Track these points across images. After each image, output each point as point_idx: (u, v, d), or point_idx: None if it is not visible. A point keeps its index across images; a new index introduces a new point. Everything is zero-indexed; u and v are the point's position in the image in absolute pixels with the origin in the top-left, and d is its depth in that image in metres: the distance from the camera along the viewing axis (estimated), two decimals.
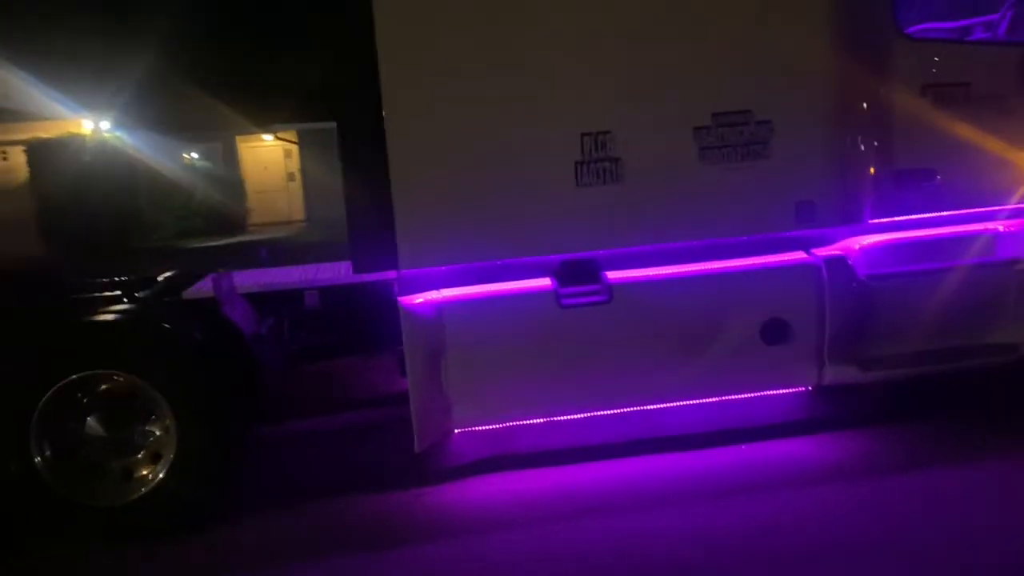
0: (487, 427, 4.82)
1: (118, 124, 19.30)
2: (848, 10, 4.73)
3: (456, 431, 4.74)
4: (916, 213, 5.04)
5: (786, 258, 4.79)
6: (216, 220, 19.92)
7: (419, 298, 4.54)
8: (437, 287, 4.63)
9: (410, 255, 4.47)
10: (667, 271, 4.73)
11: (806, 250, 4.88)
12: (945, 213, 5.06)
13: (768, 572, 3.78)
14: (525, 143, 4.49)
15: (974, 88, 4.98)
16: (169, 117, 18.63)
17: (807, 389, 5.01)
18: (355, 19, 4.35)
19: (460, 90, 4.43)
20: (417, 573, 3.93)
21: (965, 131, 4.96)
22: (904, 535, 3.96)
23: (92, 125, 19.35)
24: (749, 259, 4.77)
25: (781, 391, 4.97)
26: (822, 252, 4.86)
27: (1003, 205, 5.10)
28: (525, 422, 4.85)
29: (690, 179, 4.61)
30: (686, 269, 4.74)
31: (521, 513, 4.40)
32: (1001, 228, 5.12)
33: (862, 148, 4.86)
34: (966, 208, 5.08)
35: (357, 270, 4.49)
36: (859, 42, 4.79)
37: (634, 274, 4.71)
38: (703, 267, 4.75)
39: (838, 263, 4.83)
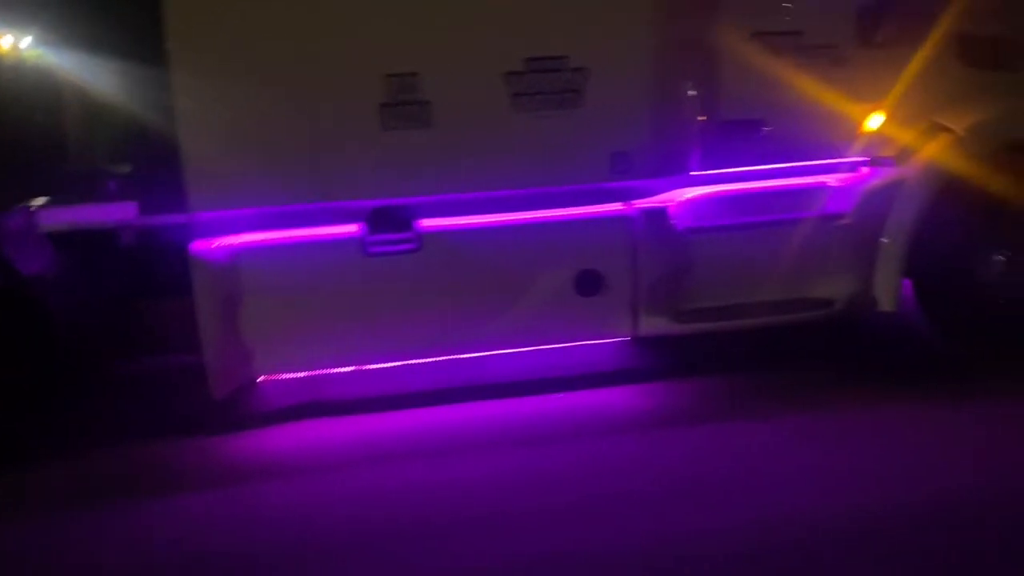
0: (295, 375, 4.75)
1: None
2: None
3: (260, 378, 4.67)
4: (745, 165, 4.97)
5: (600, 209, 4.70)
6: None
7: (214, 243, 4.39)
8: (240, 232, 4.47)
9: (201, 197, 4.28)
10: (480, 220, 4.61)
11: (626, 201, 4.80)
12: (774, 166, 5.01)
13: (529, 523, 3.77)
14: (324, 81, 4.29)
15: (806, 37, 4.87)
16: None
17: (625, 339, 5.01)
18: None
19: (251, 18, 4.18)
20: (181, 520, 3.90)
21: (796, 81, 4.86)
22: (665, 485, 4.01)
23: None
24: (563, 210, 4.67)
25: (600, 341, 4.96)
26: (640, 204, 4.78)
27: (834, 158, 5.05)
28: (335, 370, 4.79)
29: (502, 126, 4.47)
30: (500, 218, 4.63)
31: (316, 461, 4.39)
32: (830, 182, 5.06)
33: (684, 98, 4.74)
34: (796, 161, 5.01)
35: (144, 211, 4.31)
36: None
37: (447, 223, 4.59)
38: (517, 217, 4.64)
39: (654, 215, 4.77)
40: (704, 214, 4.95)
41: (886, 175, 5.05)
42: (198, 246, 4.34)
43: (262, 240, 4.44)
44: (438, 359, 4.81)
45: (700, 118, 4.75)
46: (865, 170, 5.08)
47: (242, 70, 4.22)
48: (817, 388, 4.98)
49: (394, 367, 4.84)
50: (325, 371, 4.77)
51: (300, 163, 4.34)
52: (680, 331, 4.89)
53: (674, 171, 4.79)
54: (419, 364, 4.89)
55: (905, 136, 5.05)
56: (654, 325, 4.83)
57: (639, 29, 4.50)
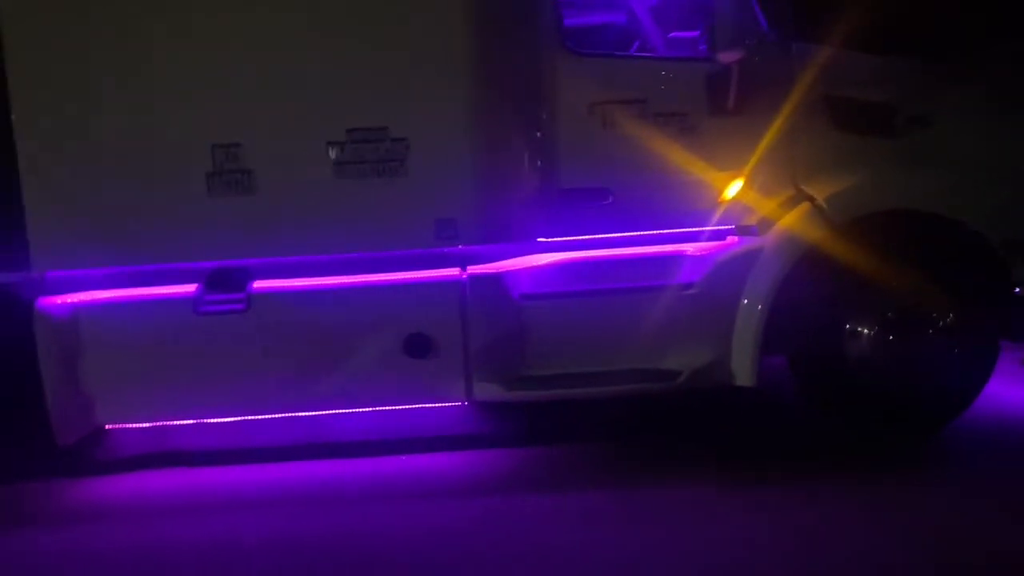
0: (141, 425, 4.99)
1: None
2: (497, 27, 4.62)
3: (107, 427, 4.94)
4: (593, 233, 4.92)
5: (429, 274, 4.74)
6: None
7: (58, 300, 4.72)
8: (88, 289, 4.78)
9: (44, 257, 4.63)
10: (308, 282, 4.76)
11: (463, 267, 4.84)
12: (627, 234, 4.93)
13: None
14: (155, 150, 4.56)
15: (650, 105, 4.82)
16: None
17: (464, 404, 4.99)
18: None
19: (88, 92, 4.51)
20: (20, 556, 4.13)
21: (642, 149, 4.81)
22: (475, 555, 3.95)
23: None
24: (393, 274, 4.75)
25: (434, 404, 4.96)
26: (475, 270, 4.81)
27: (684, 227, 4.93)
28: (176, 423, 5.00)
29: (326, 193, 4.61)
30: (328, 281, 4.76)
31: (149, 508, 4.62)
32: (687, 251, 4.93)
33: (516, 166, 4.77)
34: (645, 229, 4.93)
35: None
36: (513, 59, 4.69)
37: (278, 284, 4.76)
38: (345, 280, 4.76)
39: (485, 280, 4.77)
40: (545, 281, 4.92)
41: (742, 244, 4.89)
42: (43, 302, 4.69)
43: (102, 297, 4.74)
44: (273, 416, 4.94)
45: (536, 187, 4.79)
46: (731, 239, 4.96)
47: (80, 138, 4.55)
48: (677, 462, 4.84)
49: (254, 421, 5.01)
50: (167, 423, 4.98)
51: (135, 226, 4.61)
52: (514, 398, 4.85)
53: (512, 238, 4.81)
54: (278, 419, 5.05)
55: (768, 204, 4.90)
56: (487, 391, 4.80)
57: (458, 101, 4.57)
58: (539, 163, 4.79)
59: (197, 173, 4.57)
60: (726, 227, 4.91)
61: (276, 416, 4.92)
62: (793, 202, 4.86)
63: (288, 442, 5.23)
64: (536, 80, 4.74)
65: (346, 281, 4.75)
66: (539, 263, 4.90)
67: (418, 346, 4.73)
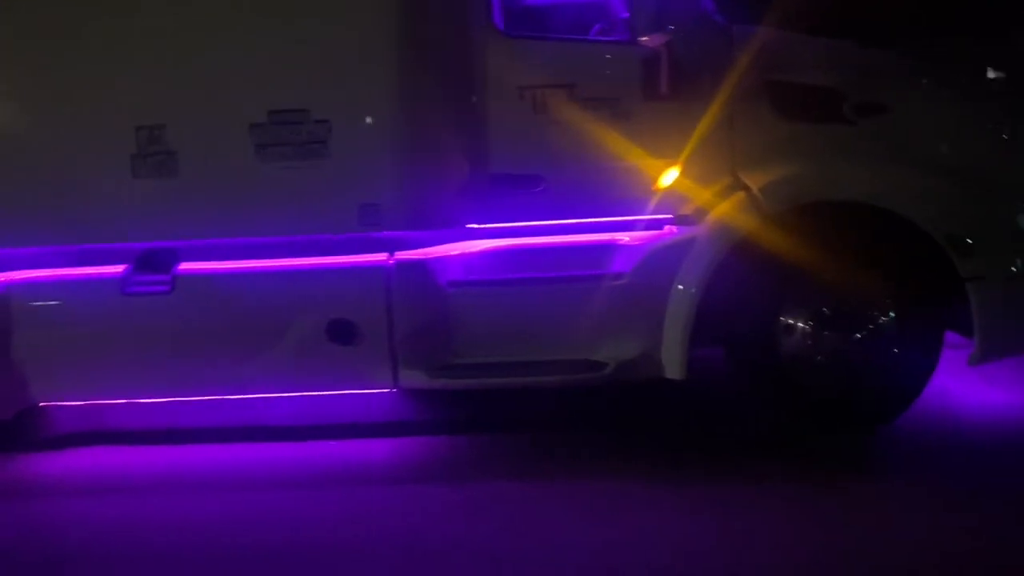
0: (73, 403, 5.05)
1: None
2: (424, 6, 4.53)
3: (42, 404, 5.00)
4: (528, 220, 4.82)
5: (354, 259, 4.69)
6: None
7: None
8: (21, 268, 4.83)
9: None
10: (236, 265, 4.74)
11: (392, 252, 4.78)
12: (560, 222, 4.82)
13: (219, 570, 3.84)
14: (81, 132, 4.58)
15: (580, 90, 4.69)
16: None
17: (391, 390, 4.95)
18: None
19: (14, 74, 4.54)
20: None
21: (573, 136, 4.69)
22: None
23: None
24: (318, 258, 4.71)
25: (362, 390, 4.94)
26: (402, 256, 4.75)
27: (620, 215, 4.81)
28: (115, 400, 5.04)
29: (248, 176, 4.58)
30: (253, 264, 4.73)
31: (83, 485, 4.69)
32: (616, 239, 4.80)
33: (444, 151, 4.69)
34: (579, 217, 4.82)
35: None
36: (441, 39, 4.60)
37: (203, 266, 4.75)
38: (271, 263, 4.72)
39: (410, 267, 4.70)
40: (474, 268, 4.85)
41: (675, 234, 4.76)
42: None
43: (30, 276, 4.77)
44: (201, 399, 4.96)
45: (464, 173, 4.71)
46: (669, 229, 4.83)
47: (7, 120, 4.60)
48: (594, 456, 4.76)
49: (199, 402, 5.03)
50: (99, 402, 5.03)
51: (63, 206, 4.64)
52: (440, 386, 4.81)
53: (439, 224, 4.74)
54: (212, 401, 5.08)
55: (705, 193, 4.76)
56: (412, 378, 4.75)
57: (382, 83, 4.50)
58: (468, 148, 4.70)
59: (122, 155, 4.58)
60: (664, 216, 4.79)
61: (206, 398, 4.95)
62: (730, 191, 4.72)
63: (227, 423, 5.25)
64: (465, 62, 4.64)
65: (271, 265, 4.72)
66: (468, 250, 4.83)
67: (342, 332, 4.68)
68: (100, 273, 4.76)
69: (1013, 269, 4.64)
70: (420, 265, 4.73)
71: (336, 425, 5.17)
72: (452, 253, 4.80)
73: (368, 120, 4.53)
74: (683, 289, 4.64)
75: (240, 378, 4.80)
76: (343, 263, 4.70)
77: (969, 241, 4.54)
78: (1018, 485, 4.14)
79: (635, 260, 4.74)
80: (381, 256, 4.72)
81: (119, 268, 4.77)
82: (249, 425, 5.21)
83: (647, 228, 4.80)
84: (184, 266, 4.75)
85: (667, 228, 4.80)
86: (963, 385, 5.28)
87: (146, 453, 5.05)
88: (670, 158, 4.72)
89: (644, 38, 4.36)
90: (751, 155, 4.72)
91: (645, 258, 4.73)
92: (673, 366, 4.67)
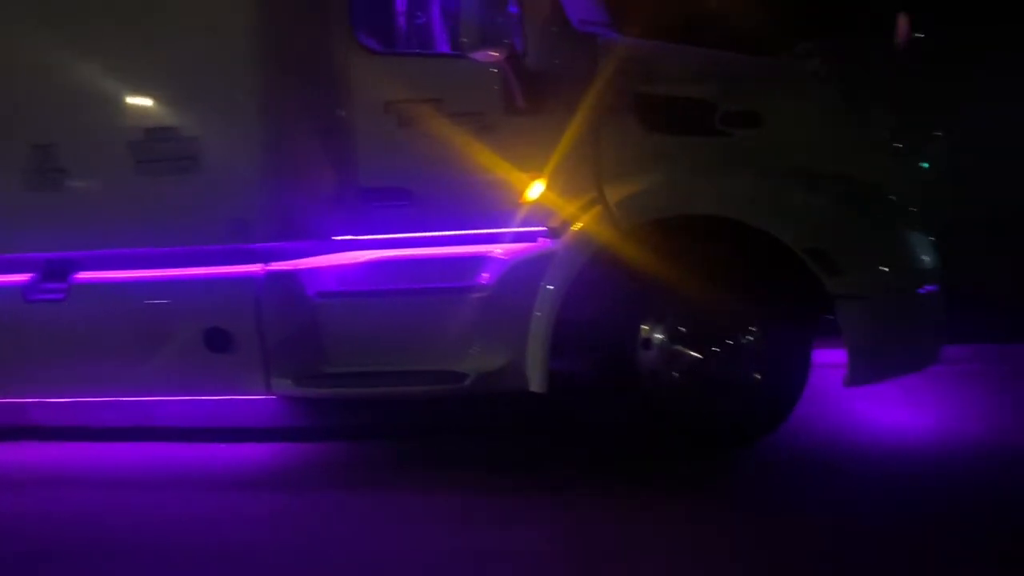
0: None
1: None
2: (288, 24, 4.70)
3: None
4: (397, 232, 4.92)
5: (226, 270, 4.89)
6: None
7: None
8: None
9: None
10: (122, 275, 5.02)
11: (266, 263, 4.95)
12: (427, 234, 4.89)
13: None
14: None
15: (446, 105, 4.75)
16: None
17: (270, 397, 5.11)
18: None
19: None
20: None
21: (440, 149, 4.75)
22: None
23: None
24: (194, 268, 4.93)
25: (238, 396, 5.12)
26: (274, 266, 4.91)
27: (487, 228, 4.84)
28: (23, 399, 5.40)
29: (130, 190, 4.85)
30: (139, 274, 5.00)
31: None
32: (480, 252, 4.83)
33: (312, 165, 4.83)
34: (447, 230, 4.88)
35: None
36: (306, 56, 4.75)
37: (95, 276, 5.06)
38: (154, 273, 4.98)
39: (280, 277, 4.87)
40: (341, 279, 4.97)
41: (538, 247, 4.75)
42: None
43: None
44: (98, 399, 5.25)
45: (331, 186, 4.84)
46: (541, 242, 4.82)
47: None
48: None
49: (75, 402, 5.35)
50: (10, 400, 5.39)
51: None
52: (309, 394, 4.94)
53: (308, 236, 4.89)
54: (118, 401, 5.36)
55: (570, 206, 4.73)
56: (283, 386, 4.89)
57: (246, 99, 4.69)
58: (337, 162, 4.84)
59: (16, 171, 4.92)
60: (533, 229, 4.79)
61: (100, 399, 5.25)
62: (592, 204, 4.68)
63: (132, 423, 5.53)
64: (331, 78, 4.78)
65: (153, 275, 4.98)
66: (339, 262, 4.96)
67: (217, 340, 4.88)
68: (6, 281, 5.14)
69: (886, 287, 4.42)
70: (289, 276, 4.89)
71: (221, 428, 5.37)
72: (323, 264, 4.95)
73: (235, 136, 4.72)
74: (541, 302, 4.63)
75: (128, 382, 5.07)
76: (218, 273, 4.91)
77: (834, 257, 4.35)
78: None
79: (497, 273, 4.76)
80: (255, 267, 4.92)
81: (25, 277, 5.15)
82: (148, 425, 5.48)
83: (516, 241, 4.82)
84: (79, 276, 5.07)
85: (540, 240, 4.81)
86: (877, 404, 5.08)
87: (54, 449, 5.39)
88: (536, 171, 4.73)
89: (479, 52, 4.34)
90: (618, 168, 4.67)
91: (507, 271, 4.74)
92: (536, 379, 4.65)
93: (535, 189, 4.76)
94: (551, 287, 4.61)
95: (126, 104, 4.80)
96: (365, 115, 4.79)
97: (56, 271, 5.12)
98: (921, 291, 4.57)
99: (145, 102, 4.79)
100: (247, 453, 5.19)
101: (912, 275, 4.53)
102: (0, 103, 4.91)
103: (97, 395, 5.23)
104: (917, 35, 4.49)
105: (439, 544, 3.83)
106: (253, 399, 5.20)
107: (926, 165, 4.90)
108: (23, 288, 5.09)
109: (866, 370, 4.41)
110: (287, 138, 4.78)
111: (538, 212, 4.76)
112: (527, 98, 4.62)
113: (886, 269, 4.42)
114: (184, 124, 4.73)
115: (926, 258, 4.63)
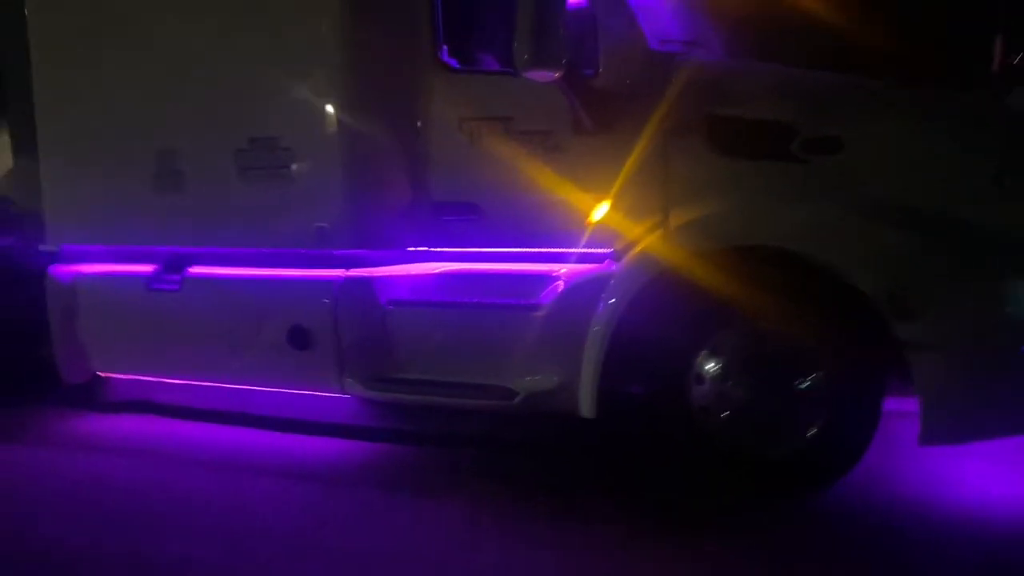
0: (123, 375, 6.07)
1: None
2: (373, 40, 4.90)
3: (100, 374, 6.09)
4: (466, 246, 4.99)
5: (311, 273, 5.17)
6: None
7: (63, 269, 5.94)
8: (87, 262, 5.94)
9: (53, 234, 5.87)
10: (224, 271, 5.45)
11: (347, 268, 5.18)
12: (498, 250, 4.93)
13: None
14: (118, 155, 5.54)
15: (516, 123, 4.77)
16: None
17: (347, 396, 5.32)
18: None
19: (73, 102, 5.65)
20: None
21: (508, 167, 4.79)
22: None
23: None
24: (286, 269, 5.25)
25: (317, 392, 5.38)
26: (351, 272, 5.13)
27: (553, 247, 4.80)
28: (148, 378, 5.99)
29: (234, 193, 5.25)
30: (239, 272, 5.40)
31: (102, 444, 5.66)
32: (543, 270, 4.82)
33: (390, 178, 5.00)
34: (514, 246, 4.89)
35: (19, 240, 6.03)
36: (387, 74, 4.93)
37: (204, 271, 5.52)
38: (250, 271, 5.36)
39: (355, 283, 5.08)
40: (411, 289, 5.12)
41: (599, 268, 4.65)
42: (55, 269, 5.95)
43: (90, 270, 5.87)
44: (207, 384, 5.73)
45: (407, 199, 5.00)
46: (608, 263, 4.74)
47: (72, 140, 5.70)
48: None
49: (191, 384, 5.88)
50: (138, 377, 6.00)
51: (112, 216, 5.65)
52: (376, 397, 5.12)
53: (384, 245, 5.07)
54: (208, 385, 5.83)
55: (635, 228, 4.61)
56: (354, 387, 5.11)
57: (332, 113, 4.92)
58: (412, 175, 5.00)
59: (146, 173, 5.49)
60: (599, 251, 4.71)
61: (203, 383, 5.74)
62: (657, 228, 4.52)
63: (224, 407, 6.02)
64: (411, 94, 4.94)
65: (250, 273, 5.37)
66: (410, 271, 5.11)
67: (299, 338, 5.19)
68: (135, 271, 5.74)
69: (965, 339, 3.94)
70: (364, 282, 5.11)
71: (307, 421, 5.69)
72: (396, 273, 5.13)
73: (321, 149, 4.99)
74: (597, 324, 4.54)
75: (227, 370, 5.50)
76: (304, 276, 5.22)
77: (907, 300, 3.94)
78: None
79: (557, 292, 4.72)
80: (336, 271, 5.18)
81: (148, 267, 5.73)
82: (245, 412, 5.93)
83: (583, 261, 4.76)
84: (193, 269, 5.58)
85: (606, 263, 4.72)
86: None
87: (166, 424, 5.96)
88: (602, 192, 4.64)
89: (534, 71, 4.31)
90: (688, 192, 4.49)
91: (566, 291, 4.70)
92: (585, 404, 4.57)
93: (602, 210, 4.69)
94: (607, 308, 4.51)
95: (234, 114, 5.20)
96: (440, 131, 4.91)
97: (175, 264, 5.66)
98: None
99: (250, 113, 5.16)
100: (327, 447, 5.46)
101: (1008, 328, 4.00)
102: (134, 111, 5.49)
103: (202, 380, 5.73)
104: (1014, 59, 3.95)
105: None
106: (336, 397, 5.49)
107: None
108: (148, 277, 5.68)
109: (941, 428, 3.95)
110: (369, 151, 4.99)
111: (605, 233, 4.68)
112: (595, 117, 4.57)
113: (970, 318, 3.94)
114: (283, 135, 5.07)
115: None
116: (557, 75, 4.32)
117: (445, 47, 4.90)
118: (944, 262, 4.02)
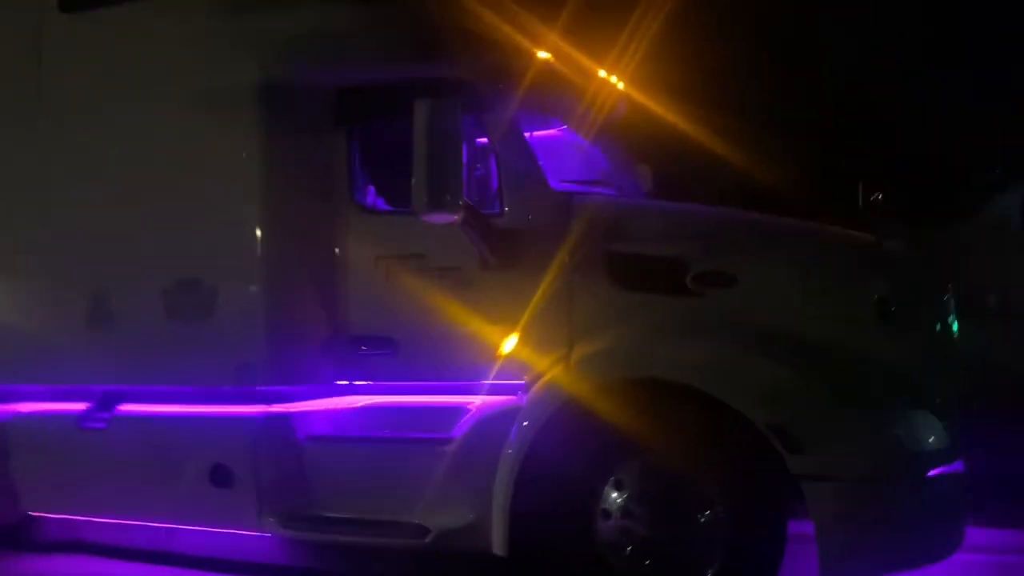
0: (54, 515, 6.02)
1: None
2: (292, 182, 5.10)
3: (31, 513, 6.04)
4: (383, 379, 5.06)
5: (232, 410, 5.21)
6: None
7: None
8: (16, 401, 5.98)
9: None
10: (146, 408, 5.47)
11: (270, 404, 5.23)
12: (411, 383, 5.02)
13: None
14: (50, 295, 5.64)
15: (429, 260, 4.92)
16: None
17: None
18: None
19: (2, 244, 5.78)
20: None
21: (423, 302, 4.91)
22: None
23: None
24: (207, 406, 5.29)
25: (236, 531, 5.32)
26: (270, 409, 5.17)
27: (466, 379, 4.87)
28: (78, 517, 5.93)
29: (162, 333, 5.32)
30: (160, 409, 5.43)
31: None
32: (454, 403, 4.87)
33: (310, 314, 5.12)
34: (429, 379, 4.96)
35: None
36: (305, 216, 5.12)
37: (134, 408, 5.55)
38: (171, 409, 5.38)
39: (274, 419, 5.12)
40: (328, 424, 5.16)
41: (507, 401, 4.70)
42: None
43: (20, 408, 5.90)
44: (134, 523, 5.68)
45: (326, 334, 5.10)
46: (520, 395, 4.79)
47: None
48: None
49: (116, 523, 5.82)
50: (69, 516, 5.94)
51: (35, 355, 5.68)
52: (292, 535, 5.07)
53: (305, 380, 5.14)
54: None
55: (543, 360, 4.68)
56: (272, 526, 5.06)
57: (253, 253, 5.07)
58: (331, 311, 5.11)
59: (75, 314, 5.61)
60: (511, 382, 4.77)
61: (127, 522, 5.68)
62: (562, 359, 4.60)
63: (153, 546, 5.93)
64: (330, 232, 5.12)
65: (175, 410, 5.41)
66: (329, 406, 5.16)
67: (220, 476, 5.16)
68: (66, 408, 5.77)
69: (866, 469, 3.94)
70: (283, 418, 5.14)
71: (227, 560, 5.61)
72: (316, 408, 5.17)
73: (243, 287, 5.11)
74: (504, 458, 4.55)
75: (151, 508, 5.46)
76: (224, 413, 5.26)
77: (795, 433, 3.97)
78: None
79: (467, 425, 4.76)
80: (256, 408, 5.21)
81: (81, 405, 5.77)
82: (169, 551, 5.85)
83: (494, 393, 4.81)
84: (126, 407, 5.61)
85: (519, 395, 4.77)
86: None
87: (97, 564, 5.87)
88: (510, 326, 4.75)
89: (432, 215, 4.48)
90: (591, 325, 4.60)
91: (475, 424, 4.73)
92: (498, 539, 4.52)
93: (511, 342, 4.77)
94: (514, 443, 4.53)
95: (160, 254, 5.32)
96: (357, 267, 5.06)
97: (106, 402, 5.70)
98: (930, 474, 4.05)
99: (175, 253, 5.28)
100: None
101: (904, 457, 4.01)
102: (67, 255, 5.63)
103: (129, 519, 5.67)
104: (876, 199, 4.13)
105: None
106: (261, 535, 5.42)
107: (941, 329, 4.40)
108: (78, 416, 5.72)
109: (838, 563, 3.91)
110: (289, 289, 5.13)
111: (517, 365, 4.76)
112: (501, 254, 4.72)
113: (862, 449, 3.96)
114: (206, 275, 5.20)
115: (928, 437, 4.11)
116: (456, 217, 4.48)
117: (361, 188, 5.11)
118: (831, 394, 4.08)
